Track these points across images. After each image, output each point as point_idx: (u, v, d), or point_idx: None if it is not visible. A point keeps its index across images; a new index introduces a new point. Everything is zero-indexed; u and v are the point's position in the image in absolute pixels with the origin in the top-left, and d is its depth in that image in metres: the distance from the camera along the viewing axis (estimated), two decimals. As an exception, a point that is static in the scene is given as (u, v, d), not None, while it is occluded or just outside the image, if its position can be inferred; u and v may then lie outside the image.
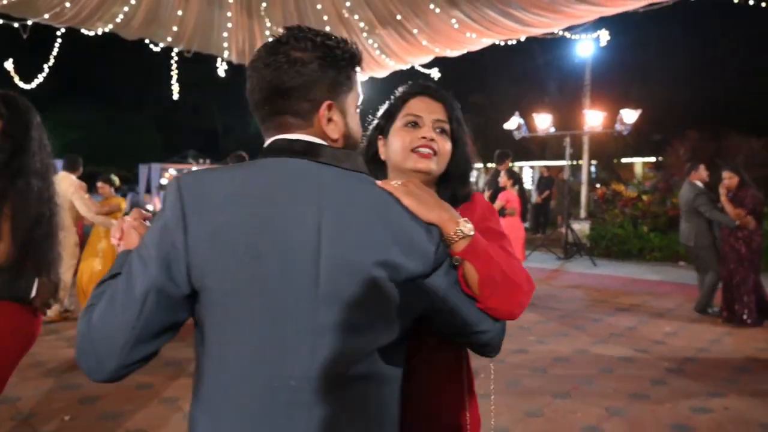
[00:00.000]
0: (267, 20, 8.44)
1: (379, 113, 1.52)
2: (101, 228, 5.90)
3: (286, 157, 1.07)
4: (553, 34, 8.44)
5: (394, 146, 1.43)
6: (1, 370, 2.19)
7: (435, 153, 1.39)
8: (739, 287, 5.76)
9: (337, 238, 1.01)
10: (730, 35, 17.10)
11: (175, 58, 9.84)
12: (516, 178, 7.37)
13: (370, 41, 8.23)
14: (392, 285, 1.03)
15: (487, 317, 1.14)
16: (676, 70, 17.44)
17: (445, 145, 1.41)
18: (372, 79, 10.38)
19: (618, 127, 10.24)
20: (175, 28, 8.30)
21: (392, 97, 1.50)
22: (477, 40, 7.86)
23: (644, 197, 11.23)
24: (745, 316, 5.71)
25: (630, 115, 10.01)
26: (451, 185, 1.46)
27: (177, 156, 28.91)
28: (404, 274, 1.04)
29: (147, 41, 8.86)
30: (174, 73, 10.07)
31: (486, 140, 17.94)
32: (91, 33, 8.03)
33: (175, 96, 10.27)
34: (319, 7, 7.71)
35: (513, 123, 11.21)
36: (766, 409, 3.73)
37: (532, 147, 18.57)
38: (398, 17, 7.53)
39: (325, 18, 7.87)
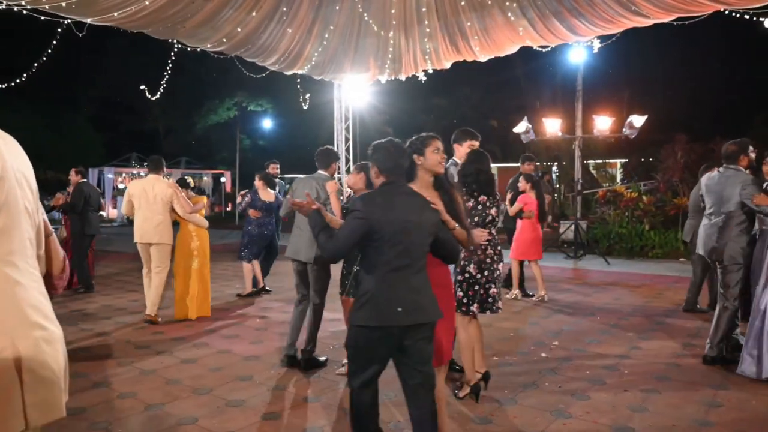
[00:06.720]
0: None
1: None
2: (191, 227, 5.87)
3: None
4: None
5: None
6: None
7: None
8: None
9: None
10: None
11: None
12: (534, 182, 7.56)
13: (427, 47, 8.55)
14: None
15: None
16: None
17: None
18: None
19: (626, 131, 10.75)
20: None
21: None
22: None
23: (644, 197, 11.80)
24: None
25: (638, 120, 10.54)
26: None
27: (119, 159, 27.44)
28: None
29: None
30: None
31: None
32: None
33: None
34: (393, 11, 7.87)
35: (521, 127, 11.56)
36: None
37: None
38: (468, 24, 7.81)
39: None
